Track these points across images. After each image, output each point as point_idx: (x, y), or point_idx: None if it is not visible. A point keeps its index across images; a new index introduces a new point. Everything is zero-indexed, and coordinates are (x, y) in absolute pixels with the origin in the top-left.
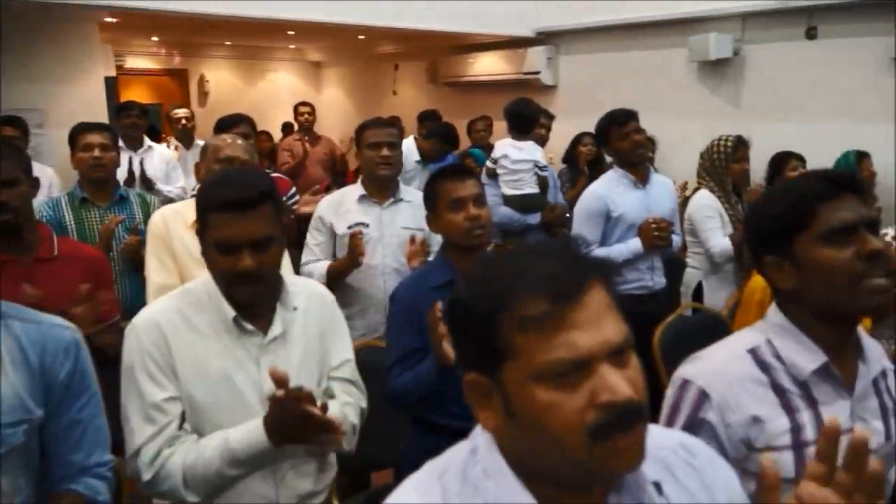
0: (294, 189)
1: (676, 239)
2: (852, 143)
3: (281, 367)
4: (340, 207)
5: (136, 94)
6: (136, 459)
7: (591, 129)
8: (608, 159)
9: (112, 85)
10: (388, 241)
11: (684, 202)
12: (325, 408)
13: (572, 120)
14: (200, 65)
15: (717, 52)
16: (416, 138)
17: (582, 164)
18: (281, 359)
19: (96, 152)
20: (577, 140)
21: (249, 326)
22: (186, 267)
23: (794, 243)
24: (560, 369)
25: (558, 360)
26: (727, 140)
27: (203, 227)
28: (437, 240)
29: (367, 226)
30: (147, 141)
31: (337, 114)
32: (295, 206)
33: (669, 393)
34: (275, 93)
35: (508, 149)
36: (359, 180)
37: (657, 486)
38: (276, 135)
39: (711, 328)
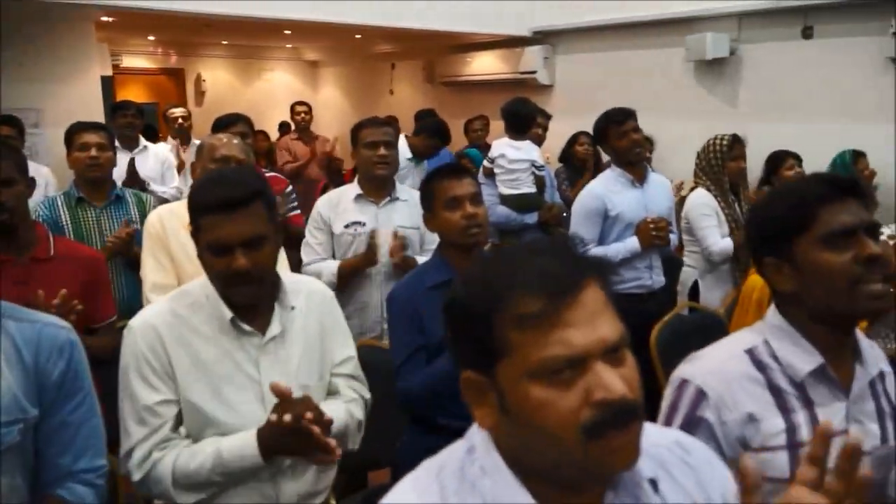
0: (291, 187)
1: (674, 238)
2: (849, 143)
3: (280, 367)
4: (338, 206)
5: (133, 93)
6: (129, 460)
7: (588, 129)
8: (605, 158)
9: (108, 84)
10: (384, 240)
11: (681, 201)
12: (328, 423)
13: (569, 119)
14: (197, 64)
15: (714, 51)
16: (406, 136)
17: (589, 165)
18: (280, 358)
19: (93, 152)
20: (574, 139)
21: (247, 327)
22: (183, 266)
23: (794, 245)
24: (554, 366)
25: (553, 358)
26: (723, 139)
27: (196, 229)
28: (433, 238)
29: (364, 224)
30: (143, 141)
31: (334, 113)
32: (295, 205)
33: (668, 393)
34: (271, 92)
35: (505, 148)
36: (355, 179)
37: (653, 483)
38: (273, 134)
39: (708, 327)
